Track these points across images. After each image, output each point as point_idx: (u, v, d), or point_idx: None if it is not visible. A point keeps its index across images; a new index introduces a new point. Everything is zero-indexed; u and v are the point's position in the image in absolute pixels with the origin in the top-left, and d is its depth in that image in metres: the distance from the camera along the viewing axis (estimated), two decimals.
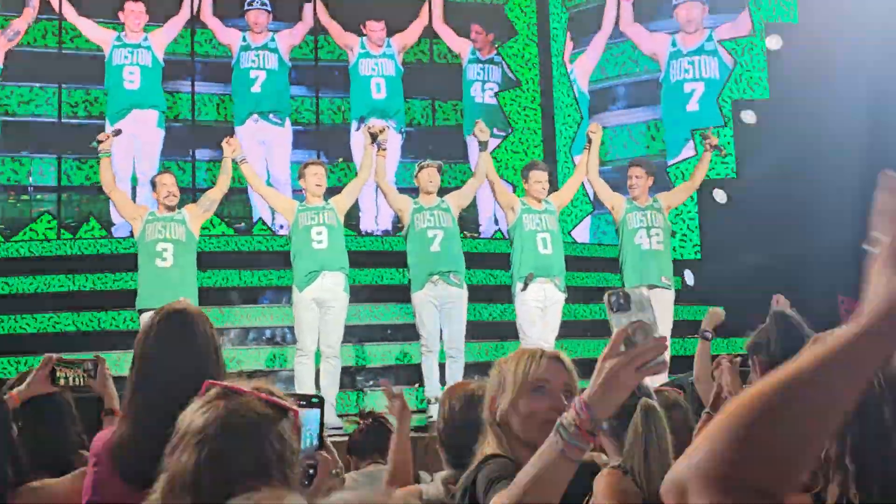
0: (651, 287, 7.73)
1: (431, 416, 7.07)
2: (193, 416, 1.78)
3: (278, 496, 1.61)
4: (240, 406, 1.78)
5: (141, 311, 7.42)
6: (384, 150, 7.68)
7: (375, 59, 10.76)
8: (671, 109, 10.53)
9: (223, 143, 7.92)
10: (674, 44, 10.50)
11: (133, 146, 9.78)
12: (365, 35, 10.69)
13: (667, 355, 1.82)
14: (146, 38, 10.24)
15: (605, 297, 1.82)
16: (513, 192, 7.98)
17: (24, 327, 8.69)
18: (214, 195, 7.76)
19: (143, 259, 7.55)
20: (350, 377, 8.48)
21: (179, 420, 1.80)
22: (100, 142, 7.69)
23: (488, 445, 2.35)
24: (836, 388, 1.11)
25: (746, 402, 1.12)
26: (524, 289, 7.56)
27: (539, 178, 7.79)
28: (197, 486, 1.69)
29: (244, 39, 10.63)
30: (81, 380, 3.05)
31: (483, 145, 7.83)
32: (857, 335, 1.10)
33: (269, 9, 10.75)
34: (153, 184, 7.81)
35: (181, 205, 7.76)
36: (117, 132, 8.24)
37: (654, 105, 11.32)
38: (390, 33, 10.82)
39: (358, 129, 10.60)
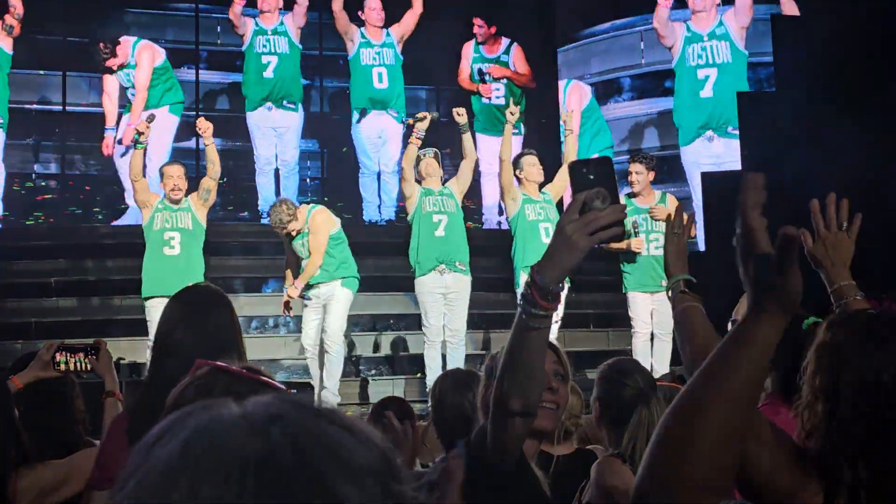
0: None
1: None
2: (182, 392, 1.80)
3: None
4: (228, 384, 1.79)
5: (147, 299, 7.45)
6: (419, 138, 7.70)
7: (376, 48, 10.75)
8: (685, 96, 10.49)
9: (197, 129, 7.86)
10: (688, 28, 10.48)
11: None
12: (363, 25, 10.65)
13: (629, 224, 1.83)
14: None
15: (569, 164, 1.83)
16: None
17: (29, 313, 8.72)
18: (208, 184, 7.78)
19: (151, 247, 7.60)
20: (353, 366, 8.50)
21: (168, 398, 1.82)
22: (141, 133, 7.68)
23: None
24: (743, 370, 1.26)
25: (674, 407, 1.29)
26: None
27: (532, 161, 7.82)
28: None
29: (256, 24, 10.65)
30: (83, 364, 3.07)
31: (463, 127, 7.86)
32: (745, 319, 1.29)
33: None
34: (161, 174, 7.81)
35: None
36: (151, 118, 8.16)
37: (660, 97, 11.32)
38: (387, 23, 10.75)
39: (359, 120, 10.62)
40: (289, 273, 7.78)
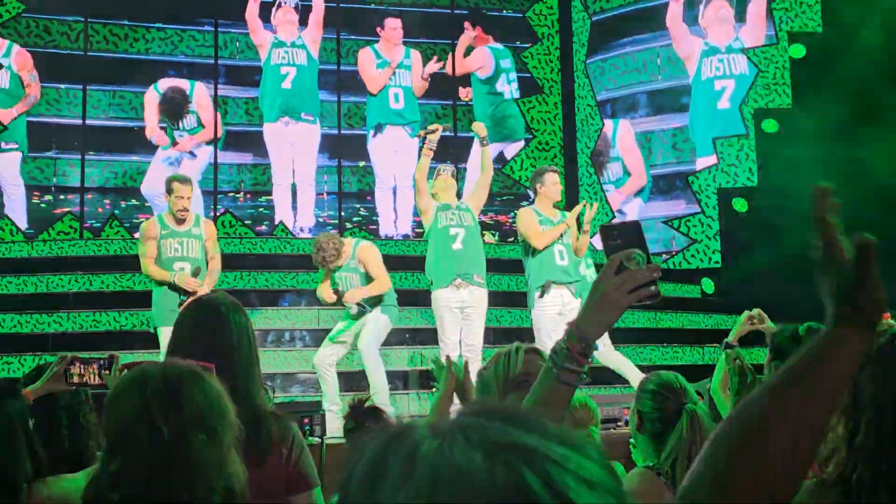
0: None
1: None
2: None
3: None
4: None
5: (156, 329, 7.28)
6: (431, 149, 7.64)
7: (394, 70, 10.87)
8: (702, 108, 10.48)
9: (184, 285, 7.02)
10: (706, 43, 10.48)
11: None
12: (378, 41, 10.73)
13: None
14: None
15: (599, 228, 1.89)
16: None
17: (47, 326, 8.78)
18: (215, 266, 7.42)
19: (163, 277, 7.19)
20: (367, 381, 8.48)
21: None
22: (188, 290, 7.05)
23: None
24: (821, 391, 1.17)
25: (735, 426, 1.18)
26: (542, 296, 7.55)
27: (555, 179, 7.77)
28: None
29: (275, 38, 10.75)
30: (96, 377, 3.08)
31: (483, 140, 7.81)
32: (826, 335, 1.21)
33: (297, 3, 10.84)
34: (170, 188, 7.27)
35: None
36: (197, 271, 7.23)
37: (676, 113, 11.31)
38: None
39: (375, 135, 10.68)
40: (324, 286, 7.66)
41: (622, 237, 1.83)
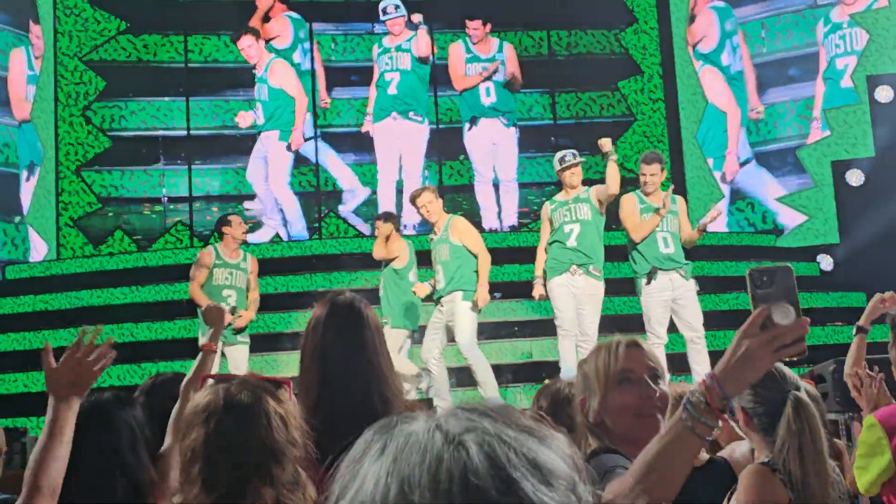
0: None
1: None
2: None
3: None
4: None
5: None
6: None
7: (483, 63, 10.79)
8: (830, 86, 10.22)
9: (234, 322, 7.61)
10: (826, 21, 10.17)
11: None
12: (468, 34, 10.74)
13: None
14: None
15: (748, 273, 1.74)
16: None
17: (158, 334, 8.98)
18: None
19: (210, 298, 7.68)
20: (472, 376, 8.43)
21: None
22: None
23: (588, 447, 2.27)
24: None
25: None
26: (648, 283, 7.38)
27: (652, 170, 7.53)
28: None
29: (380, 45, 10.85)
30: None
31: (610, 154, 7.50)
32: None
33: (404, 12, 10.87)
34: (228, 221, 7.89)
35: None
36: (234, 310, 7.76)
37: (783, 86, 10.97)
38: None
39: (470, 129, 10.69)
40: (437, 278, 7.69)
41: (773, 284, 1.70)
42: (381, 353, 2.63)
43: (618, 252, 8.08)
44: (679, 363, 7.35)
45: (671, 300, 7.35)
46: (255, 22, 11.18)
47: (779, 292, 1.69)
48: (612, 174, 7.40)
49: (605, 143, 7.48)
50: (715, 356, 7.57)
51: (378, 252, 7.88)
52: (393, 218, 8.01)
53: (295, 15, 11.54)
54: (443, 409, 0.85)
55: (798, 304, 1.68)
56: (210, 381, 2.07)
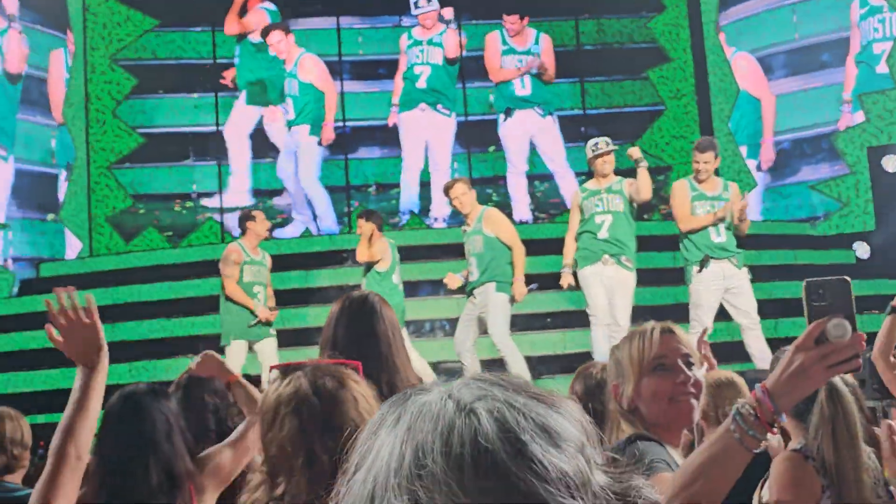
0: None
1: None
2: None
3: None
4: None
5: (224, 347, 7.55)
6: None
7: (519, 55, 10.73)
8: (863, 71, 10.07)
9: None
10: (863, 3, 10.02)
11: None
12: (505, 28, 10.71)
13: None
14: None
15: (804, 284, 1.71)
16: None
17: (190, 329, 9.01)
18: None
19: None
20: (501, 366, 8.39)
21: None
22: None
23: (622, 432, 2.24)
24: None
25: None
26: (700, 271, 7.29)
27: (704, 158, 7.40)
28: None
29: (409, 37, 10.82)
30: None
31: (639, 161, 7.42)
32: None
33: (437, 6, 10.84)
34: (254, 217, 7.91)
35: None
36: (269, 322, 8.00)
37: (816, 71, 10.83)
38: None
39: (505, 120, 10.62)
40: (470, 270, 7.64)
41: (830, 297, 1.66)
42: (395, 346, 2.70)
43: (648, 242, 8.01)
44: (727, 351, 7.24)
45: (723, 289, 7.27)
46: (231, 15, 11.17)
47: (835, 306, 1.65)
48: (644, 181, 7.36)
49: (634, 152, 7.45)
50: (719, 346, 7.50)
51: (361, 254, 7.71)
52: (375, 216, 7.87)
53: (272, 7, 11.51)
54: (456, 381, 0.88)
55: (854, 317, 1.64)
56: (275, 371, 2.03)
